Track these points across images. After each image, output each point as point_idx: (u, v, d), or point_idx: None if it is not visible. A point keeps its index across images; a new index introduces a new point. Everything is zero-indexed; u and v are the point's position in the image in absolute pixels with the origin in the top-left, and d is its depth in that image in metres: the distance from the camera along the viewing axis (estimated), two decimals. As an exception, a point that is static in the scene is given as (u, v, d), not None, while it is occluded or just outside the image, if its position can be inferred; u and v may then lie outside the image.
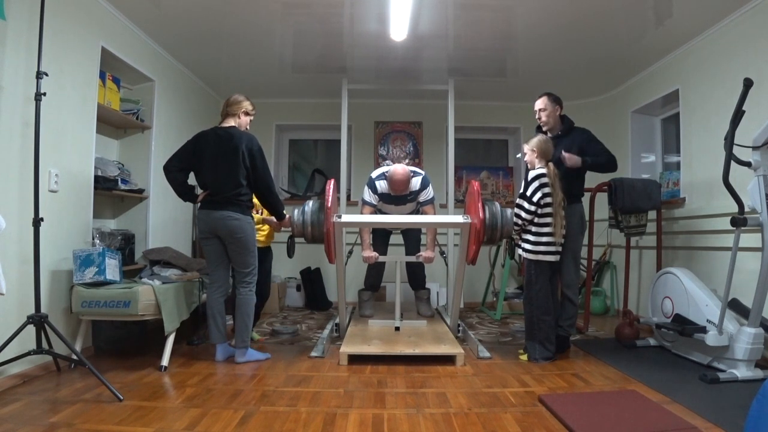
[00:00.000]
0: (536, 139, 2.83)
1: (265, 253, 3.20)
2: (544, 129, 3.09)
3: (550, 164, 2.77)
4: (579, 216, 2.98)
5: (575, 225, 2.94)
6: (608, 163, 2.99)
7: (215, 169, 2.69)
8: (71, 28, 2.70)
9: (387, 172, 3.49)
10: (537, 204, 2.72)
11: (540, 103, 3.06)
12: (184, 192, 2.80)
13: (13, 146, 2.33)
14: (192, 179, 2.82)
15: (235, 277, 2.81)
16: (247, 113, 2.83)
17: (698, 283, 2.87)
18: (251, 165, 2.70)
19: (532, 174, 2.77)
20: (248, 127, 2.88)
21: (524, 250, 2.80)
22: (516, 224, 2.80)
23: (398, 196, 3.57)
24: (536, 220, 2.74)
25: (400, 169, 3.40)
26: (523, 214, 2.75)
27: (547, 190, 2.72)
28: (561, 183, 2.76)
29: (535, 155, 2.80)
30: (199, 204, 2.77)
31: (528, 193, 2.75)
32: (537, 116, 3.09)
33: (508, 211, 2.87)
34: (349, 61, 4.08)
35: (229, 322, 2.99)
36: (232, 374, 2.56)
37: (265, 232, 3.24)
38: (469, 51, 3.82)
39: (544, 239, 2.73)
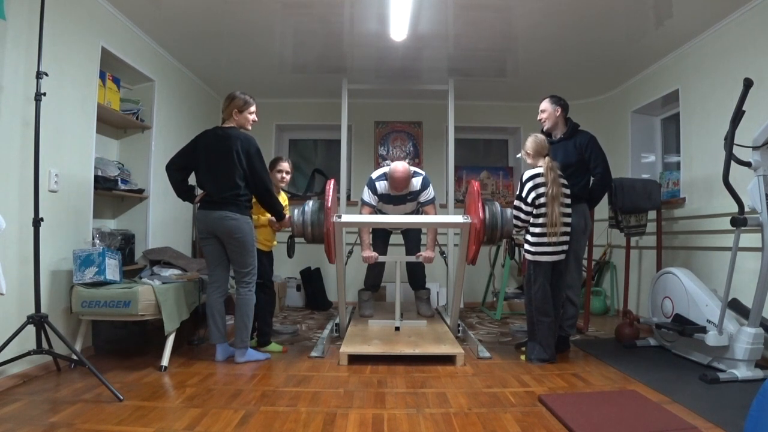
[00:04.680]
0: (528, 142, 2.83)
1: (270, 256, 3.19)
2: (544, 130, 3.10)
3: (547, 158, 2.77)
4: (582, 216, 2.98)
5: (578, 225, 2.93)
6: (602, 181, 3.01)
7: (212, 169, 2.69)
8: (71, 28, 2.70)
9: (387, 171, 3.49)
10: (532, 204, 2.73)
11: (541, 105, 3.08)
12: (182, 191, 2.80)
13: (13, 146, 2.33)
14: (192, 179, 2.82)
15: (234, 277, 2.81)
16: (240, 110, 2.74)
17: (698, 283, 2.87)
18: (248, 166, 2.68)
19: (526, 174, 2.78)
20: (255, 120, 2.82)
21: (525, 250, 2.80)
22: (516, 225, 2.81)
23: (398, 197, 3.57)
24: (532, 220, 2.75)
25: (400, 166, 3.39)
26: (521, 215, 2.76)
27: (541, 190, 2.72)
28: (559, 176, 2.75)
29: (531, 157, 2.81)
30: (198, 204, 2.77)
31: (523, 194, 2.76)
32: (539, 117, 3.10)
33: (508, 211, 2.87)
34: (349, 61, 4.08)
35: (230, 322, 2.99)
36: (232, 374, 2.56)
37: (268, 236, 3.19)
38: (469, 51, 3.82)
39: (541, 239, 2.73)
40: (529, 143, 2.82)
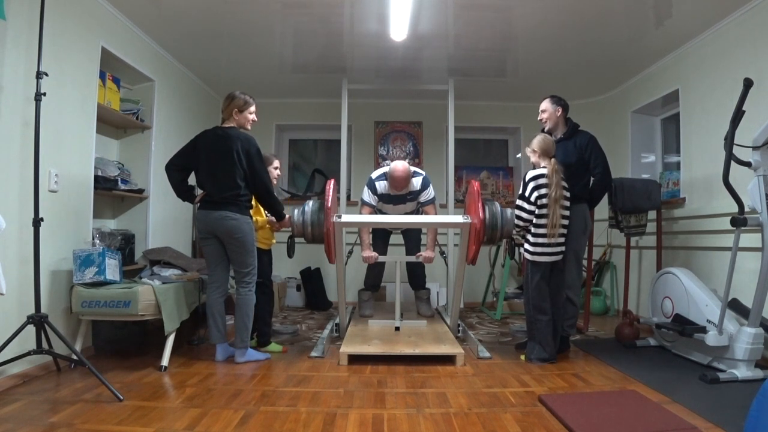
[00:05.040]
0: (536, 140, 2.83)
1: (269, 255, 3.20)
2: (545, 130, 3.10)
3: (553, 160, 2.77)
4: (582, 216, 2.98)
5: (578, 225, 2.93)
6: (602, 181, 3.02)
7: (212, 170, 2.68)
8: (71, 28, 2.70)
9: (387, 171, 3.49)
10: (534, 204, 2.72)
11: (542, 106, 3.08)
12: (182, 191, 2.80)
13: (13, 146, 2.33)
14: (192, 179, 2.82)
15: (234, 277, 2.81)
16: (240, 110, 2.74)
17: (698, 283, 2.87)
18: (248, 167, 2.68)
19: (529, 174, 2.78)
20: (255, 120, 2.83)
21: (524, 250, 2.80)
22: (517, 225, 2.80)
23: (398, 196, 3.57)
24: (534, 220, 2.74)
25: (400, 165, 3.40)
26: (524, 215, 2.75)
27: (544, 191, 2.72)
28: (561, 180, 2.75)
29: (537, 155, 2.80)
30: (198, 204, 2.77)
31: (526, 194, 2.75)
32: (539, 117, 3.10)
33: (508, 211, 2.87)
34: (349, 61, 4.08)
35: (230, 322, 2.99)
36: (232, 374, 2.56)
37: (267, 236, 3.20)
38: (469, 51, 3.81)
39: (542, 240, 2.73)
40: (538, 142, 2.81)
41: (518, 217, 2.78)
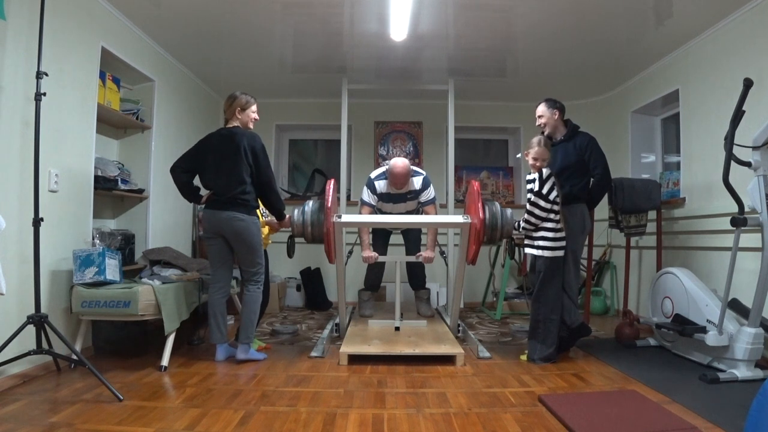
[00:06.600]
0: (541, 149, 2.75)
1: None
2: (545, 134, 3.08)
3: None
4: (580, 216, 2.98)
5: (576, 225, 2.94)
6: (601, 182, 3.03)
7: (219, 168, 2.70)
8: (71, 28, 2.70)
9: (387, 169, 3.49)
10: (553, 201, 2.73)
11: (538, 110, 3.08)
12: (189, 192, 2.81)
13: (13, 146, 2.33)
14: (197, 181, 2.82)
15: (242, 275, 2.83)
16: (242, 109, 2.77)
17: (698, 283, 2.87)
18: (254, 162, 2.70)
19: (546, 172, 2.75)
20: (256, 118, 2.84)
21: (541, 247, 2.76)
22: (529, 222, 2.76)
23: (398, 195, 3.57)
24: (552, 216, 2.74)
25: (400, 162, 3.41)
26: (537, 212, 2.72)
27: (556, 189, 2.75)
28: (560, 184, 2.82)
29: (537, 163, 2.76)
30: (203, 204, 2.78)
31: (544, 191, 2.72)
32: (537, 123, 3.09)
33: (508, 211, 2.86)
34: (349, 61, 4.08)
35: (230, 322, 2.99)
36: (232, 374, 2.56)
37: (265, 234, 3.22)
38: (469, 51, 3.82)
39: (560, 234, 2.76)
40: (543, 153, 2.76)
41: (531, 214, 2.73)
